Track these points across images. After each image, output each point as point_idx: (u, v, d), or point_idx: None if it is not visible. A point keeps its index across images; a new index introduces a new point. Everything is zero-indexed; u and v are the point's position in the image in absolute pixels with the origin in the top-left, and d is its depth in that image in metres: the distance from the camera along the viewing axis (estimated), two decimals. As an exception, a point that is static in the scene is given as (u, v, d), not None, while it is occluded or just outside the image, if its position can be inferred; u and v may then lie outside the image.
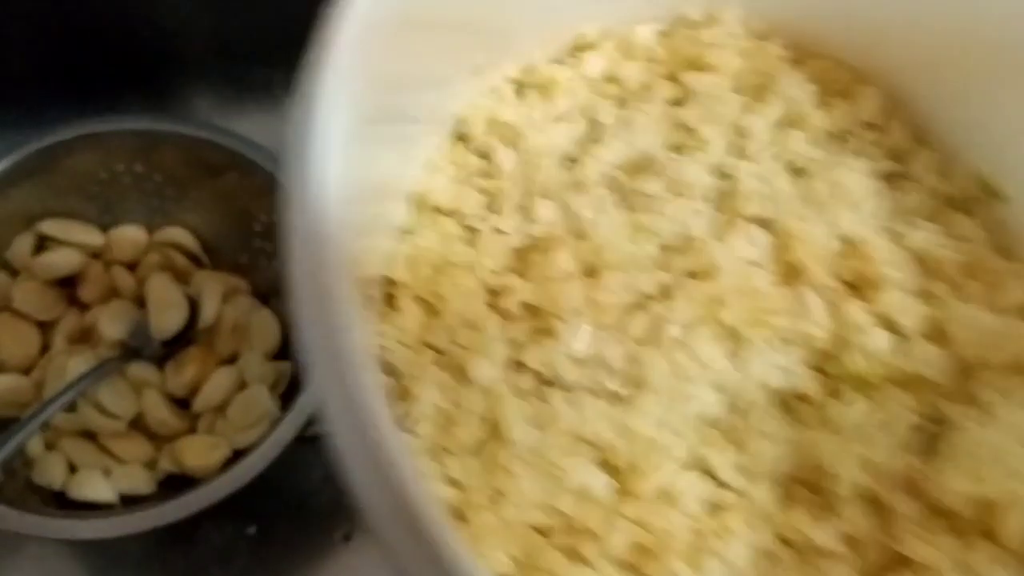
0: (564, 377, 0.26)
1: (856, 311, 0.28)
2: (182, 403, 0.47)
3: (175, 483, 0.46)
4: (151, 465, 0.46)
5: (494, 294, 0.27)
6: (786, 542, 0.26)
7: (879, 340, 0.27)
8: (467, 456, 0.25)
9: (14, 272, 0.48)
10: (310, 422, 0.43)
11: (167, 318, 0.47)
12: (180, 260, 0.50)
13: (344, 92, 0.22)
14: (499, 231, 0.28)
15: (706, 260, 0.28)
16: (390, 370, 0.26)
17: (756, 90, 0.31)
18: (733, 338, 0.27)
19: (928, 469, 0.26)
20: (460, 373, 0.26)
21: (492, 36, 0.29)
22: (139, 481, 0.45)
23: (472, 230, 0.29)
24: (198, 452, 0.45)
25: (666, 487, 0.25)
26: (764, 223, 0.29)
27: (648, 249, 0.28)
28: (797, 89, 0.31)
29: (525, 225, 0.28)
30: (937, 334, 0.28)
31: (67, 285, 0.49)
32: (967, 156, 0.31)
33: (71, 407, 0.45)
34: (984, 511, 0.25)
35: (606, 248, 0.27)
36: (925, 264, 0.29)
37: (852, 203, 0.29)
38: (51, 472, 0.44)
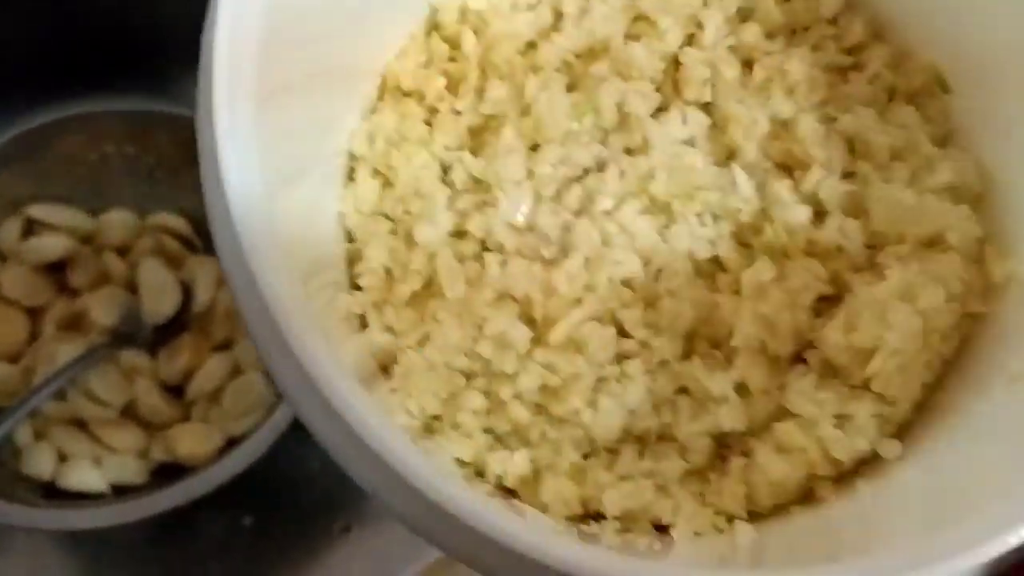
0: (501, 243, 0.29)
1: (782, 188, 0.30)
2: (175, 390, 0.46)
3: (168, 472, 0.45)
4: (143, 454, 0.45)
5: (446, 169, 0.30)
6: (683, 390, 0.28)
7: (799, 214, 0.29)
8: (403, 307, 0.28)
9: (2, 257, 0.47)
10: (307, 408, 0.41)
11: (159, 303, 0.46)
12: (172, 245, 0.49)
13: None
14: (455, 111, 0.31)
15: (641, 137, 0.30)
16: (348, 236, 0.30)
17: None
18: (663, 211, 0.29)
19: (820, 327, 0.28)
20: (408, 238, 0.29)
21: None
22: (131, 471, 0.44)
23: (432, 111, 0.31)
24: (192, 440, 0.44)
25: (574, 335, 0.27)
26: (704, 107, 0.31)
27: (586, 125, 0.30)
28: None
29: (479, 105, 0.31)
30: (856, 210, 0.30)
31: (57, 271, 0.48)
32: (922, 51, 0.32)
33: (61, 395, 0.44)
34: (861, 359, 0.27)
35: (547, 124, 0.30)
36: (855, 146, 0.30)
37: (790, 89, 0.31)
38: (40, 462, 0.43)
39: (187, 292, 0.47)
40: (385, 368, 0.28)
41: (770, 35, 0.32)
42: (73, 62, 0.54)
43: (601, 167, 0.30)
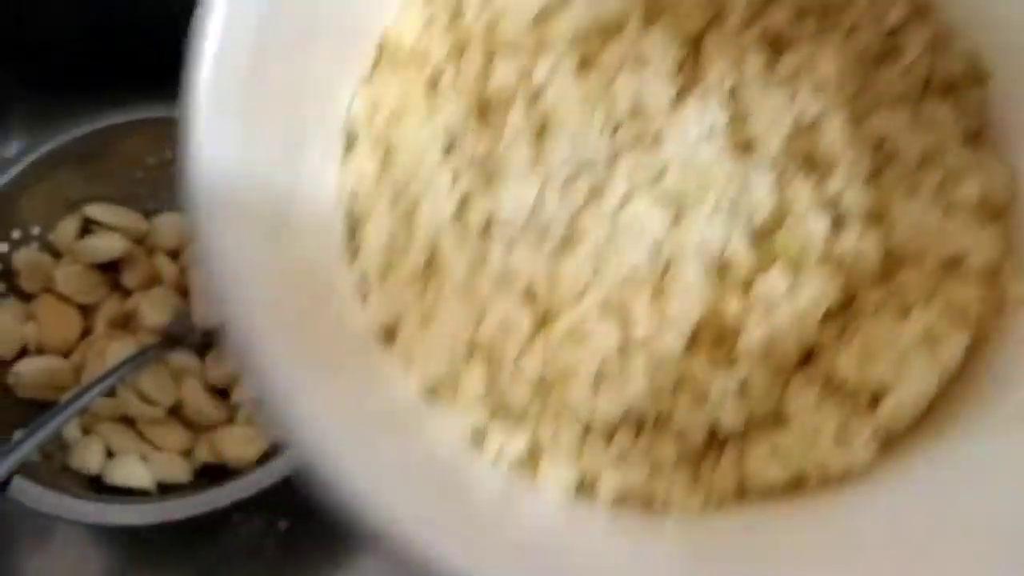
0: (506, 227, 0.28)
1: (801, 190, 0.28)
2: (222, 393, 0.47)
3: (211, 473, 0.45)
4: (188, 454, 0.46)
5: (449, 144, 0.29)
6: (684, 384, 0.27)
7: (818, 222, 0.28)
8: (405, 284, 0.27)
9: (57, 254, 0.48)
10: (352, 417, 0.42)
11: (209, 307, 0.47)
12: (223, 250, 0.50)
13: None
14: (459, 84, 0.29)
15: (655, 128, 0.28)
16: (348, 212, 0.28)
17: None
18: (675, 204, 0.28)
19: (832, 344, 0.27)
20: (409, 216, 0.28)
21: None
22: (176, 469, 0.45)
23: (434, 81, 0.29)
24: (236, 443, 0.45)
25: (577, 328, 0.27)
26: (724, 96, 0.29)
27: (598, 114, 0.29)
28: None
29: (485, 80, 0.29)
30: (877, 220, 0.29)
31: (110, 270, 0.49)
32: (964, 33, 0.30)
33: (110, 392, 0.44)
34: (871, 394, 0.27)
35: (557, 111, 0.28)
36: (882, 149, 0.29)
37: (818, 84, 0.29)
38: (88, 456, 0.44)
39: (236, 297, 0.48)
40: (389, 336, 0.27)
41: (801, 15, 0.30)
42: (136, 70, 0.55)
43: (612, 156, 0.28)
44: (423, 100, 0.29)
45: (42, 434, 0.40)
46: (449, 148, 0.29)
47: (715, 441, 0.28)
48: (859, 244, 0.28)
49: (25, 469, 0.40)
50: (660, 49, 0.29)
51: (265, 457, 0.44)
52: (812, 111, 0.29)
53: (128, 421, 0.45)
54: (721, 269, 0.28)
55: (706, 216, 0.28)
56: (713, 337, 0.28)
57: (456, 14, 0.30)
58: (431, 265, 0.28)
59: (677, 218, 0.28)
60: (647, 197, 0.28)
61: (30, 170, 0.46)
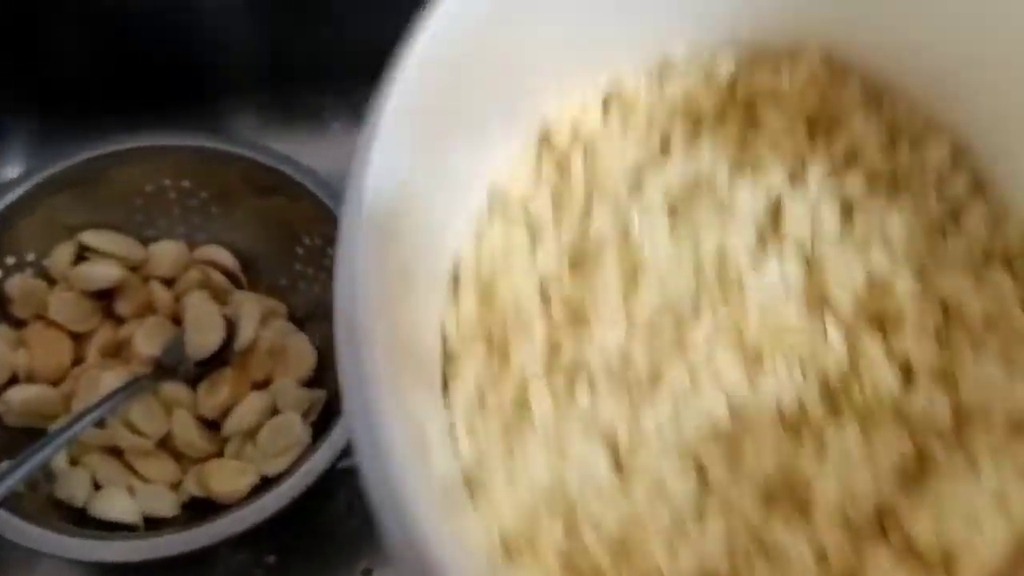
0: (592, 373, 0.28)
1: (872, 346, 0.29)
2: (212, 425, 0.47)
3: (199, 506, 0.45)
4: (176, 487, 0.45)
5: (544, 291, 0.30)
6: (760, 545, 0.27)
7: (888, 377, 0.29)
8: (492, 431, 0.27)
9: (51, 281, 0.48)
10: (343, 454, 0.42)
11: (203, 338, 0.46)
12: (219, 279, 0.50)
13: (415, 103, 0.25)
14: (559, 233, 0.31)
15: (737, 279, 0.30)
16: (446, 352, 0.29)
17: (826, 125, 0.33)
18: (752, 355, 0.29)
19: (904, 504, 0.28)
20: (503, 358, 0.29)
21: (583, 50, 0.31)
22: (163, 502, 0.44)
23: (536, 229, 0.31)
24: (225, 477, 0.44)
25: (659, 479, 0.27)
26: (801, 252, 0.31)
27: (685, 264, 0.30)
28: (866, 129, 0.33)
29: (583, 229, 0.31)
30: (946, 377, 0.29)
31: (103, 297, 0.48)
32: (1021, 208, 0.32)
33: (100, 422, 0.44)
34: (945, 555, 0.27)
35: (647, 260, 0.30)
36: (949, 311, 0.30)
37: (889, 243, 0.31)
38: (74, 488, 0.43)
39: (230, 328, 0.47)
40: (473, 485, 0.27)
41: (872, 182, 0.32)
42: (135, 97, 0.55)
43: (696, 306, 0.30)
44: (526, 249, 0.30)
45: (29, 466, 0.39)
46: (545, 296, 0.30)
47: None
48: (930, 401, 0.29)
49: (9, 501, 0.39)
50: (744, 203, 0.31)
51: (253, 492, 0.43)
52: (883, 269, 0.30)
53: (116, 452, 0.45)
54: (795, 423, 0.29)
55: (782, 370, 0.29)
56: (789, 496, 0.28)
57: (562, 170, 0.32)
58: (519, 411, 0.28)
59: (753, 371, 0.29)
60: (728, 346, 0.29)
61: (27, 196, 0.46)
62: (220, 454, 0.46)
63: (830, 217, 0.31)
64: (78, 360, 0.47)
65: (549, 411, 0.28)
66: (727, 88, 0.33)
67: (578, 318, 0.29)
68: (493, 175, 0.31)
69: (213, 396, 0.46)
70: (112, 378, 0.45)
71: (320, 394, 0.47)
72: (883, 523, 0.28)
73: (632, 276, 0.30)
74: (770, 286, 0.30)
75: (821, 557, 0.27)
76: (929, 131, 0.33)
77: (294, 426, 0.45)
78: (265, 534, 0.50)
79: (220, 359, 0.47)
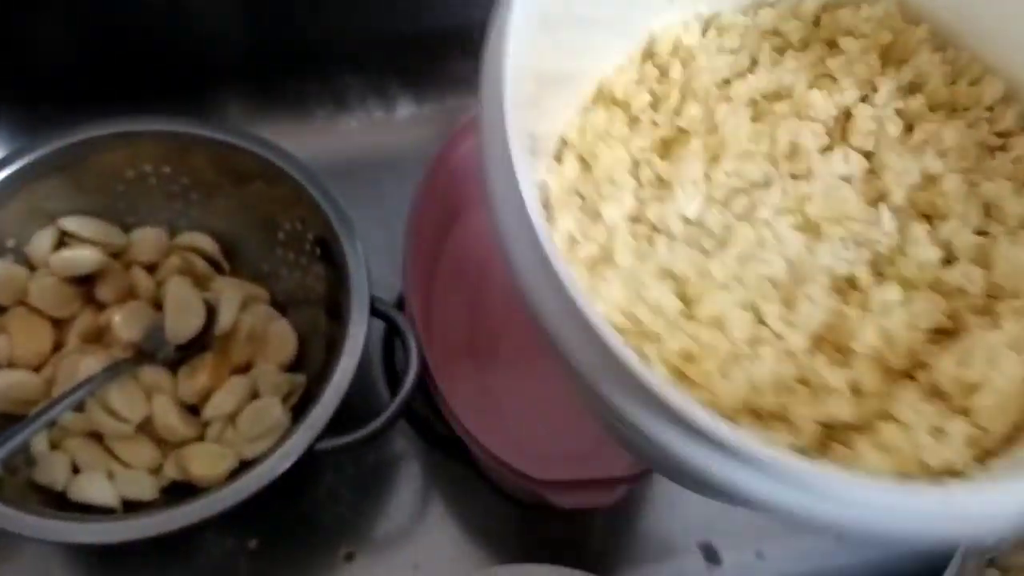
0: (671, 230, 0.33)
1: (920, 230, 0.34)
2: (192, 409, 0.47)
3: (179, 490, 0.45)
4: (156, 471, 0.45)
5: (636, 165, 0.35)
6: (803, 380, 0.31)
7: (931, 254, 0.33)
8: (580, 268, 0.32)
9: (32, 267, 0.48)
10: (320, 436, 0.42)
11: (183, 323, 0.46)
12: (200, 265, 0.50)
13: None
14: (654, 123, 0.36)
15: (806, 166, 0.35)
16: (546, 203, 0.34)
17: (896, 59, 0.38)
18: (813, 230, 0.34)
19: (934, 351, 0.32)
20: (594, 214, 0.34)
21: None
22: (143, 487, 0.44)
23: (635, 120, 0.36)
24: (205, 461, 0.44)
25: (718, 314, 0.31)
26: (865, 155, 0.35)
27: (761, 149, 0.35)
28: (931, 65, 0.37)
29: (675, 120, 0.36)
30: (982, 260, 0.33)
31: (84, 283, 0.49)
32: None
33: (79, 407, 0.44)
34: (966, 388, 0.31)
35: (729, 142, 0.35)
36: (990, 210, 0.35)
37: (942, 151, 0.35)
38: (54, 472, 0.43)
39: (211, 313, 0.47)
40: None
41: (933, 108, 0.37)
42: (116, 83, 0.55)
43: (767, 184, 0.35)
44: (624, 130, 0.36)
45: (7, 448, 0.39)
46: (636, 167, 0.35)
47: (824, 443, 0.31)
48: (966, 276, 0.33)
49: (-10, 484, 0.39)
50: (818, 109, 0.36)
51: (233, 475, 0.43)
52: (935, 170, 0.35)
53: (97, 437, 0.45)
54: (844, 288, 0.33)
55: (837, 243, 0.34)
56: (833, 344, 0.32)
57: (661, 75, 0.37)
58: (604, 258, 0.33)
59: (812, 241, 0.34)
60: (791, 219, 0.34)
61: (7, 181, 0.46)
62: (201, 439, 0.46)
63: (893, 127, 0.36)
64: (59, 346, 0.47)
65: (629, 255, 0.33)
66: (811, 22, 0.38)
67: (663, 187, 0.34)
68: (601, 76, 0.37)
69: (193, 381, 0.46)
70: (92, 363, 0.45)
71: (300, 378, 0.47)
72: (914, 372, 0.32)
73: (714, 157, 0.35)
74: (834, 176, 0.35)
75: (856, 391, 0.31)
76: (986, 73, 0.37)
77: (273, 410, 0.45)
78: (247, 519, 0.50)
79: (201, 344, 0.47)
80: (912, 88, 0.37)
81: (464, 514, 0.52)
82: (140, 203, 0.50)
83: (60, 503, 0.43)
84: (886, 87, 0.37)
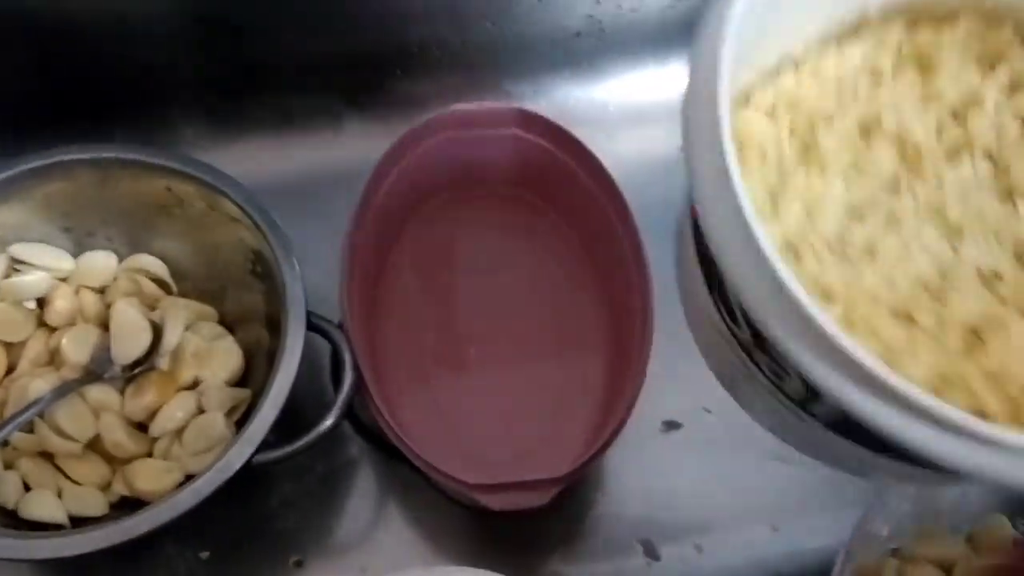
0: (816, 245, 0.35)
1: None
2: (141, 428, 0.48)
3: (129, 506, 0.46)
4: (105, 488, 0.47)
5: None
6: (961, 379, 0.33)
7: None
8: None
9: (-16, 293, 0.49)
10: (260, 449, 0.43)
11: (129, 344, 0.48)
12: (149, 286, 0.51)
13: None
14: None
15: (935, 173, 0.37)
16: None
17: (989, 62, 0.39)
18: (954, 230, 0.36)
19: None
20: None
21: None
22: (92, 503, 0.46)
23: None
24: (150, 476, 0.46)
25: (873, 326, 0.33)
26: (988, 154, 0.37)
27: (886, 167, 0.37)
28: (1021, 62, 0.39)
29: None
30: None
31: (38, 305, 0.50)
32: None
33: (28, 427, 0.45)
34: None
35: (864, 166, 0.37)
36: None
37: None
38: (5, 491, 0.45)
39: (157, 333, 0.49)
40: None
41: None
42: (67, 109, 0.57)
43: (900, 193, 0.36)
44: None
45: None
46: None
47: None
48: None
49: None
50: (932, 120, 0.38)
51: (179, 489, 0.45)
52: None
53: (47, 456, 0.47)
54: (991, 282, 0.35)
55: (980, 240, 0.35)
56: (982, 331, 0.34)
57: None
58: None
59: (956, 241, 0.35)
60: (932, 225, 0.36)
61: (-46, 211, 0.47)
62: (150, 454, 0.48)
63: (1011, 124, 0.37)
64: (11, 369, 0.49)
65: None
66: (896, 50, 0.40)
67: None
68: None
69: (140, 398, 0.47)
70: (42, 385, 0.46)
71: (245, 392, 0.49)
72: None
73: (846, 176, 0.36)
74: (963, 179, 0.37)
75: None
76: None
77: (217, 424, 0.46)
78: (199, 530, 0.52)
79: (149, 363, 0.49)
80: (1013, 87, 0.39)
81: (416, 518, 0.54)
82: (87, 227, 0.51)
83: (12, 522, 0.45)
84: (991, 91, 0.38)
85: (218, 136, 0.62)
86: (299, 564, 0.51)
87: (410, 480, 0.54)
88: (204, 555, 0.51)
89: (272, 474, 0.53)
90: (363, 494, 0.54)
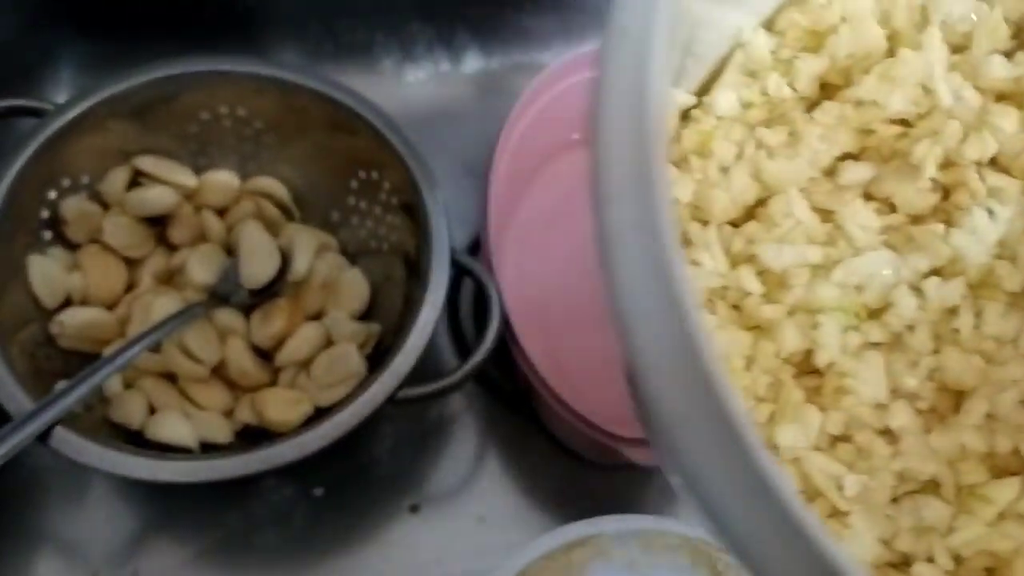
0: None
1: None
2: (265, 356, 0.46)
3: (250, 435, 0.45)
4: (229, 414, 0.45)
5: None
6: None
7: None
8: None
9: (105, 205, 0.47)
10: (402, 385, 0.41)
11: (258, 267, 0.46)
12: (271, 210, 0.49)
13: None
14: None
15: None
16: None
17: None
18: (973, 294, 0.31)
19: None
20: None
21: None
22: (218, 429, 0.44)
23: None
24: (280, 406, 0.44)
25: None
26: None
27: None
28: None
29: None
30: None
31: (157, 224, 0.48)
32: None
33: (155, 347, 0.44)
34: None
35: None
36: None
37: None
38: (130, 411, 0.43)
39: (284, 259, 0.47)
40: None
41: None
42: (183, 28, 0.54)
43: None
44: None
45: (85, 386, 0.39)
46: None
47: None
48: None
49: (66, 420, 0.39)
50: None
51: (307, 423, 0.43)
52: None
53: (170, 378, 0.45)
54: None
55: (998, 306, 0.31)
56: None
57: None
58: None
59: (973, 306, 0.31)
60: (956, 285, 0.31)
61: (81, 118, 0.45)
62: (273, 383, 0.46)
63: (979, 188, 0.32)
64: (132, 285, 0.47)
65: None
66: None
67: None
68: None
69: (267, 326, 0.46)
70: (166, 304, 0.45)
71: (375, 327, 0.47)
72: None
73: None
74: (970, 239, 0.31)
75: None
76: None
77: (351, 357, 0.45)
78: (313, 467, 0.50)
79: (273, 290, 0.47)
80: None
81: (522, 469, 0.52)
82: (212, 145, 0.49)
83: (135, 441, 0.43)
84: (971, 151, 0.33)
85: (332, 67, 0.59)
86: (414, 509, 0.49)
87: (516, 429, 0.53)
88: (318, 492, 0.49)
89: (389, 414, 0.52)
90: (469, 442, 0.52)
